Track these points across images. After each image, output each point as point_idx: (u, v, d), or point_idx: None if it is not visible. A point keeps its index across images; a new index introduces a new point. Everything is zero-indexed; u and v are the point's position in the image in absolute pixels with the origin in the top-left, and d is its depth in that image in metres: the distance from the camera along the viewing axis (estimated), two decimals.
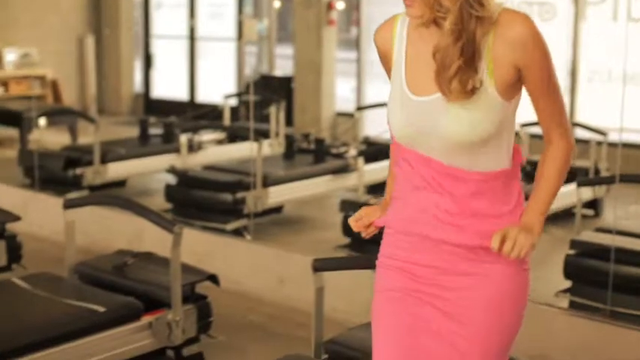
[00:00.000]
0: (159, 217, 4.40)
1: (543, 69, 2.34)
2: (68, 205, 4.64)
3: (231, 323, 5.06)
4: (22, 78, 11.84)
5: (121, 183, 8.22)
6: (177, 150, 8.19)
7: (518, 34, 2.29)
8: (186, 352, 4.39)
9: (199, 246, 5.74)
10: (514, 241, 2.29)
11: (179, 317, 4.24)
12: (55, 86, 12.06)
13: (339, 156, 7.82)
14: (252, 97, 7.13)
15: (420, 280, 2.43)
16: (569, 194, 6.36)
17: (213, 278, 4.52)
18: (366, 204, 2.80)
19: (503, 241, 2.30)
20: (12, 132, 9.96)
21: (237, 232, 6.67)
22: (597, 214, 7.20)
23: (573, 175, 6.67)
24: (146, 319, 4.23)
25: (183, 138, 8.11)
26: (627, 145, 6.11)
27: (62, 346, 3.90)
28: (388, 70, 2.51)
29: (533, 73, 2.33)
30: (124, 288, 4.41)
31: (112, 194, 7.01)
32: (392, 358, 2.46)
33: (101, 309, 4.12)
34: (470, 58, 2.28)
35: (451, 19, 2.28)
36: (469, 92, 2.27)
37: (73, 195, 6.83)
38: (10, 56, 11.79)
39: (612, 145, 7.06)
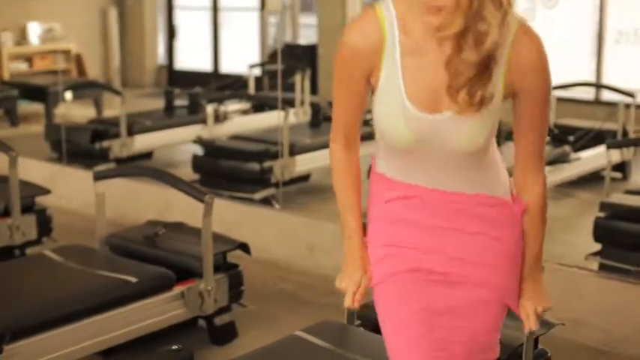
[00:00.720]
0: (190, 186, 4.42)
1: (544, 99, 2.21)
2: (98, 177, 4.66)
3: (261, 292, 5.09)
4: (47, 53, 11.85)
5: (147, 155, 8.22)
6: (203, 121, 8.19)
7: (534, 57, 2.15)
8: (218, 321, 4.42)
9: (228, 216, 5.75)
10: (537, 316, 2.42)
11: (211, 287, 4.27)
12: (79, 60, 12.07)
13: (366, 123, 7.77)
14: (279, 66, 7.10)
15: (432, 261, 2.38)
16: (598, 157, 6.32)
17: (244, 247, 4.54)
18: None
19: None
20: (38, 107, 10.00)
21: (266, 201, 6.68)
22: (625, 177, 7.14)
23: (602, 138, 6.64)
24: (178, 289, 4.26)
25: (210, 108, 8.11)
26: None
27: (95, 317, 3.93)
28: (361, 74, 2.32)
29: (533, 99, 2.19)
30: (155, 258, 4.44)
31: (142, 165, 7.02)
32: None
33: (133, 279, 4.15)
34: (487, 69, 2.09)
35: (493, 35, 2.02)
36: (477, 105, 2.10)
37: (101, 168, 6.86)
38: (34, 31, 11.81)
39: None
